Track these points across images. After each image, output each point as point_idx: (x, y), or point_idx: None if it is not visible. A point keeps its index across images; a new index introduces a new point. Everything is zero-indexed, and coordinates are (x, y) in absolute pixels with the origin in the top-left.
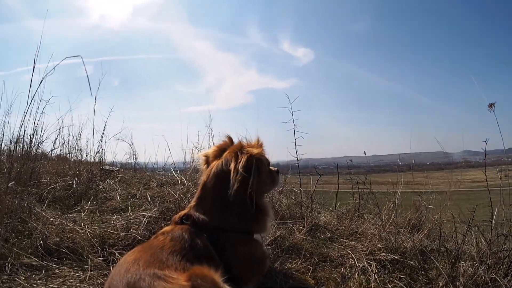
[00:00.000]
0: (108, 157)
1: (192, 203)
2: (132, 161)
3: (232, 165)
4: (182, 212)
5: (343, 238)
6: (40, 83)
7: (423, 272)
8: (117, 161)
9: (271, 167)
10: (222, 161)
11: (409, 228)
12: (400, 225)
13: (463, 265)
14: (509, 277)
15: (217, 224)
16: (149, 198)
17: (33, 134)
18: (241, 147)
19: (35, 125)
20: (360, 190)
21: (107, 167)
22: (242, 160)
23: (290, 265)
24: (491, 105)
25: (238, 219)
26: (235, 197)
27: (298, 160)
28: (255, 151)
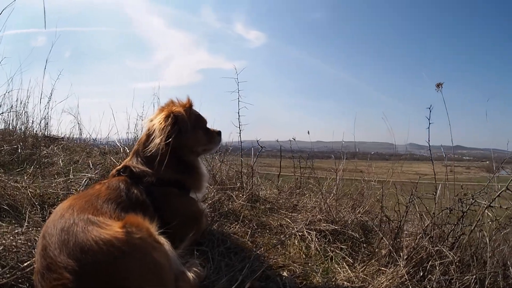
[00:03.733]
0: (54, 128)
1: (129, 157)
2: (77, 131)
3: (152, 122)
4: (120, 166)
5: (283, 210)
6: None
7: (365, 244)
8: (62, 133)
9: (211, 128)
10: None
11: (350, 204)
12: (341, 200)
13: (406, 238)
14: (454, 250)
15: (152, 176)
16: (91, 164)
17: None
18: (167, 106)
19: None
20: (302, 174)
21: (52, 134)
22: (160, 116)
23: (228, 229)
24: (438, 85)
25: (170, 171)
26: (160, 151)
27: (240, 131)
28: (175, 108)
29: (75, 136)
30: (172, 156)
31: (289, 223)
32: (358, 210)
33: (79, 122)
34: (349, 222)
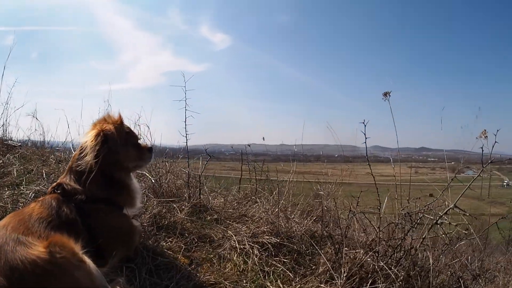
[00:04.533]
0: (13, 132)
1: (64, 174)
2: (36, 137)
3: (84, 139)
4: (56, 183)
5: (230, 220)
6: None
7: (310, 257)
8: (21, 137)
9: (142, 144)
10: None
11: (298, 213)
12: (289, 209)
13: (349, 252)
14: (402, 266)
15: (82, 193)
16: (44, 174)
17: None
18: (99, 123)
19: None
20: (257, 177)
21: (10, 142)
22: (91, 133)
23: (164, 244)
24: (385, 94)
25: (100, 189)
26: (90, 168)
27: (187, 140)
28: (106, 126)
29: (34, 141)
30: (102, 174)
31: (232, 235)
32: (308, 218)
33: (37, 128)
34: (297, 232)
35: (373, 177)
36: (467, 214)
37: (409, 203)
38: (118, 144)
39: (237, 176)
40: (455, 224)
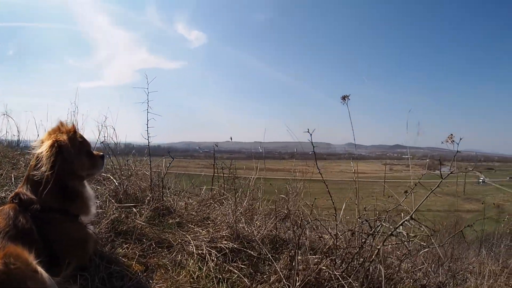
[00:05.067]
0: None
1: (22, 183)
2: (9, 137)
3: (39, 150)
4: (14, 192)
5: (191, 224)
6: None
7: (269, 262)
8: None
9: (95, 152)
10: None
11: (263, 214)
12: (254, 210)
13: (306, 258)
14: (358, 274)
15: (37, 203)
16: (13, 178)
17: None
18: (53, 132)
19: None
20: (225, 176)
21: None
22: (46, 144)
23: (121, 250)
24: (344, 98)
25: (54, 199)
26: (45, 178)
27: (148, 142)
28: (60, 136)
29: (10, 141)
30: (56, 183)
31: (190, 240)
32: (272, 219)
33: (8, 130)
34: (258, 236)
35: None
36: (423, 227)
37: (366, 210)
38: (72, 154)
39: (209, 174)
40: (414, 235)
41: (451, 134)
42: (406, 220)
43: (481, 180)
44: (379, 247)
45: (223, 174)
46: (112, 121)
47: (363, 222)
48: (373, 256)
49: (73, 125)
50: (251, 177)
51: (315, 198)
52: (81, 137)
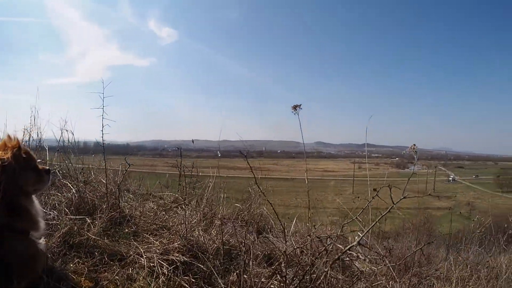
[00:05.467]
0: None
1: None
2: None
3: None
4: None
5: (147, 233)
6: None
7: (223, 275)
8: None
9: (41, 166)
10: None
11: (222, 221)
12: (212, 217)
13: (258, 272)
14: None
15: None
16: None
17: None
18: None
19: None
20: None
21: None
22: None
23: (72, 265)
24: (295, 107)
25: (0, 216)
26: None
27: (104, 150)
28: (2, 154)
29: None
30: (2, 200)
31: (142, 252)
32: (232, 225)
33: None
34: (213, 246)
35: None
36: (371, 251)
37: (315, 229)
38: (16, 170)
39: (176, 173)
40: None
41: (414, 145)
42: (353, 245)
43: (451, 178)
44: (326, 269)
45: (184, 176)
46: (72, 125)
47: (315, 239)
48: (321, 278)
49: (17, 141)
50: (211, 178)
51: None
52: (26, 152)
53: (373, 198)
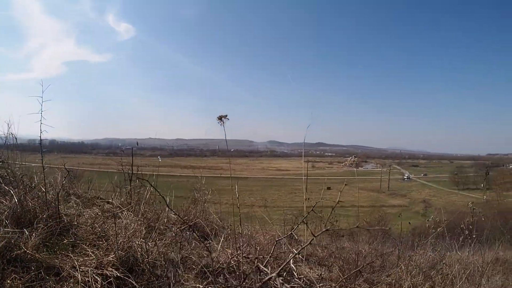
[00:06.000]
0: None
1: None
2: None
3: None
4: None
5: (86, 244)
6: None
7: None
8: None
9: None
10: None
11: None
12: (157, 223)
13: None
14: None
15: None
16: None
17: None
18: None
19: None
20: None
21: None
22: None
23: (9, 281)
24: (220, 118)
25: None
26: None
27: (42, 157)
28: None
29: None
30: None
31: (78, 266)
32: (170, 233)
33: None
34: (152, 255)
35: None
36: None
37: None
38: None
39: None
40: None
41: (354, 156)
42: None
43: (406, 177)
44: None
45: (130, 180)
46: (15, 129)
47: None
48: None
49: None
50: (164, 178)
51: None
52: None
53: (319, 200)
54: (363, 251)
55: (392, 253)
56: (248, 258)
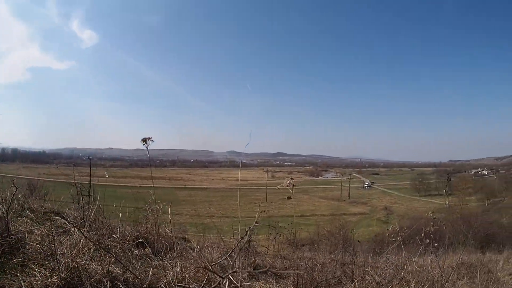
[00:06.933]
0: None
1: None
2: None
3: None
4: None
5: (34, 264)
6: None
7: None
8: None
9: None
10: None
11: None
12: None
13: None
14: None
15: None
16: None
17: None
18: None
19: None
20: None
21: None
22: None
23: None
24: (144, 140)
25: None
26: None
27: None
28: None
29: None
30: None
31: (27, 286)
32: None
33: None
34: (93, 278)
35: None
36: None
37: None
38: None
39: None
40: None
41: (291, 178)
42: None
43: (366, 185)
44: None
45: (81, 194)
46: None
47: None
48: None
49: None
50: (122, 189)
51: None
52: None
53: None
54: (322, 261)
55: (353, 262)
56: (197, 275)
